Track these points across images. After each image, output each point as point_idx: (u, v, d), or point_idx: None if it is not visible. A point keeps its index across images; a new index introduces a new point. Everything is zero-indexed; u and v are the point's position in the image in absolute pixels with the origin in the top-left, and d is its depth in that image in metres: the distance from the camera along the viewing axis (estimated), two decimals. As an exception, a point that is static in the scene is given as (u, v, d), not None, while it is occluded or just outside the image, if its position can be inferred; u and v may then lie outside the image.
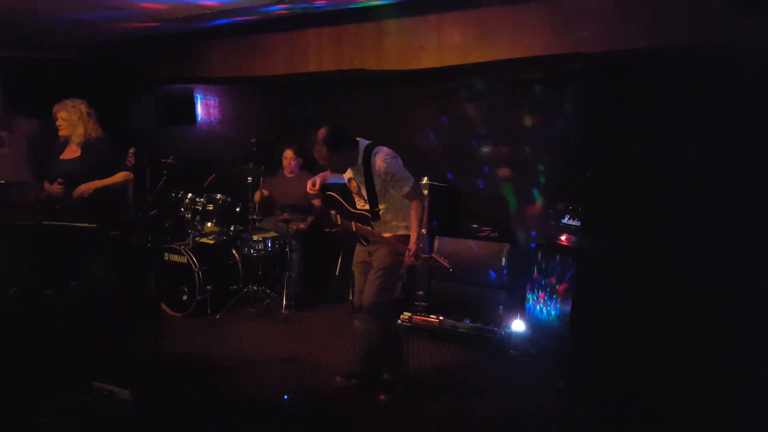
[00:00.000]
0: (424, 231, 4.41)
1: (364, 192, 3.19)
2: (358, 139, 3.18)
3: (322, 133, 3.05)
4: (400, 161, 3.13)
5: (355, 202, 3.34)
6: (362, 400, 3.35)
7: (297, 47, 5.02)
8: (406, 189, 3.10)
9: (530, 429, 3.13)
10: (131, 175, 4.07)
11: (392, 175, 3.07)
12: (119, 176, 4.01)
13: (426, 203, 3.23)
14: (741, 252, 2.54)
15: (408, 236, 3.18)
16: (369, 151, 3.11)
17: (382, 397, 3.32)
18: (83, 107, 4.02)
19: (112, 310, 4.23)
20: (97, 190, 3.90)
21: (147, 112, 6.58)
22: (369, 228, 3.23)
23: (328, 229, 3.38)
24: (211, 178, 5.13)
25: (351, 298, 5.02)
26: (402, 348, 3.53)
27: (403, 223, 3.24)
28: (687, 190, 2.76)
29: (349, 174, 3.28)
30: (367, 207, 3.23)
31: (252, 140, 4.93)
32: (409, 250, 3.08)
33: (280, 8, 4.42)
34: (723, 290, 2.57)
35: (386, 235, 3.23)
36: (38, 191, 4.19)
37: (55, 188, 3.89)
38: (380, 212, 3.18)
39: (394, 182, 3.08)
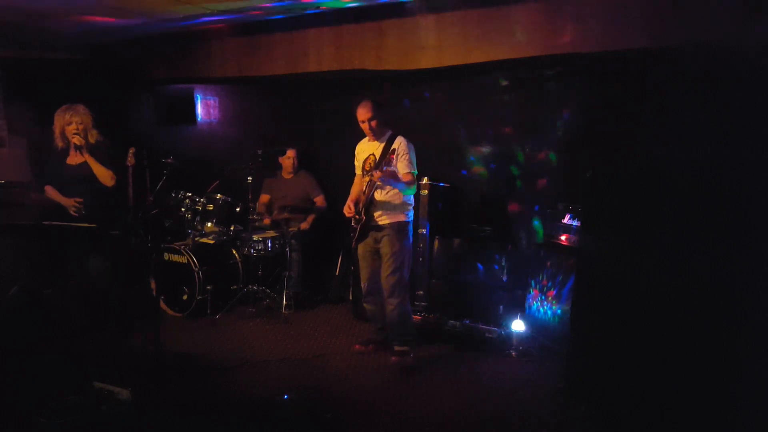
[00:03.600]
0: (423, 231, 4.47)
1: (375, 164, 3.72)
2: (388, 128, 3.83)
3: (367, 97, 3.75)
4: (414, 152, 3.75)
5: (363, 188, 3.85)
6: (363, 400, 3.35)
7: (297, 47, 5.02)
8: (406, 170, 3.65)
9: (530, 429, 3.13)
10: (115, 180, 4.06)
11: (405, 153, 3.67)
12: (107, 173, 4.02)
13: (414, 192, 3.82)
14: (741, 252, 2.53)
15: (404, 223, 3.76)
16: (395, 135, 3.77)
17: (393, 358, 3.80)
18: (89, 112, 4.06)
19: (112, 310, 4.23)
20: (88, 170, 3.93)
21: (147, 112, 6.59)
22: (367, 192, 3.74)
23: (355, 224, 3.85)
24: (214, 184, 5.13)
25: (351, 298, 5.03)
26: (411, 322, 3.93)
27: (398, 210, 3.74)
28: (687, 190, 2.75)
29: (370, 150, 3.84)
30: (369, 178, 3.74)
31: (258, 151, 4.92)
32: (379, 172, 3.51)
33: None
34: (723, 290, 2.56)
35: (384, 221, 3.74)
36: (36, 194, 4.19)
37: (72, 204, 3.98)
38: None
39: (402, 160, 3.64)
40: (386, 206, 3.74)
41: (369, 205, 3.74)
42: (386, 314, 3.84)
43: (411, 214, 3.84)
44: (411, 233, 3.86)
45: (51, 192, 4.12)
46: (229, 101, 6.43)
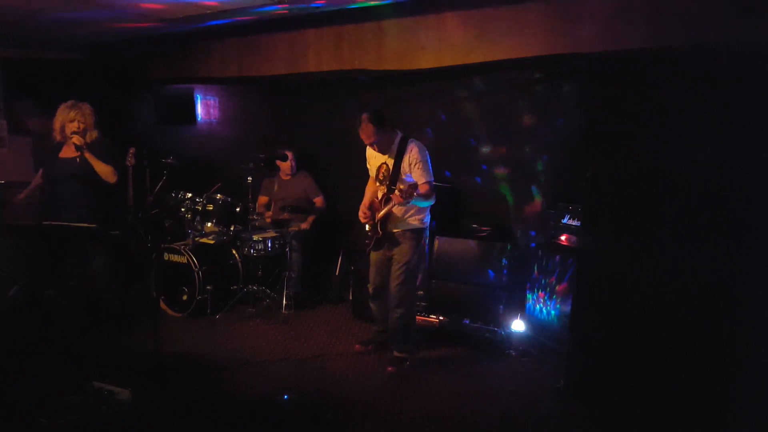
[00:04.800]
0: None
1: (390, 174, 3.62)
2: (396, 130, 3.67)
3: (365, 114, 3.52)
4: (429, 157, 3.60)
5: (378, 196, 3.77)
6: (363, 400, 3.35)
7: (297, 47, 5.02)
8: (423, 180, 3.52)
9: (530, 429, 3.13)
10: (117, 176, 4.05)
11: (418, 162, 3.52)
12: (109, 169, 3.99)
13: (434, 201, 3.67)
14: (741, 251, 2.53)
15: (418, 228, 3.67)
16: (405, 140, 3.63)
17: (390, 369, 3.73)
18: (94, 111, 4.07)
19: (112, 310, 4.24)
20: (88, 166, 3.93)
21: (147, 112, 6.59)
22: (384, 208, 3.62)
23: (370, 238, 3.79)
24: (216, 186, 5.14)
25: (351, 298, 5.03)
26: (414, 330, 3.90)
27: (414, 217, 3.66)
28: (687, 190, 2.76)
29: (382, 159, 3.70)
30: (385, 188, 3.65)
31: (261, 155, 4.93)
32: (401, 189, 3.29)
33: (278, 8, 4.40)
34: (723, 290, 2.57)
35: (399, 228, 3.66)
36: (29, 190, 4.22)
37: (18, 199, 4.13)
38: (395, 191, 3.40)
39: (418, 169, 3.51)
40: (400, 218, 3.66)
41: (385, 220, 3.66)
42: (390, 320, 3.81)
43: (427, 219, 3.75)
44: (426, 238, 3.78)
45: (33, 182, 4.15)
46: (229, 101, 6.43)
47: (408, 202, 3.37)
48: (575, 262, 3.77)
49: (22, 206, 4.24)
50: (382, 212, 3.63)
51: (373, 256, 3.86)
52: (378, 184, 3.78)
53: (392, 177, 3.61)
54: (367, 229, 3.80)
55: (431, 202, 3.63)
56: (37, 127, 5.97)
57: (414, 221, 3.67)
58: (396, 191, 3.31)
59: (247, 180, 4.85)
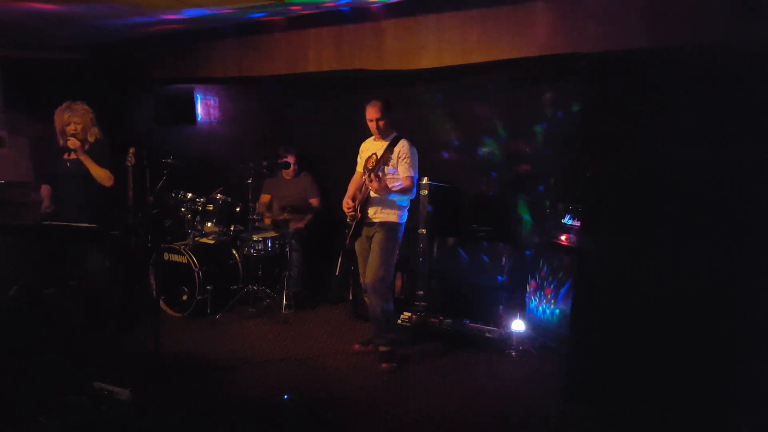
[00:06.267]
0: (423, 231, 4.48)
1: (376, 163, 3.79)
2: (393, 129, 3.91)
3: (377, 98, 3.80)
4: (416, 155, 3.80)
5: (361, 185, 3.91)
6: (363, 400, 3.35)
7: (297, 47, 5.02)
8: (407, 174, 3.71)
9: (530, 429, 3.13)
10: (113, 180, 4.04)
11: (407, 156, 3.72)
12: (105, 173, 3.99)
13: (413, 197, 3.86)
14: (741, 251, 2.53)
15: (396, 224, 3.80)
16: (399, 137, 3.83)
17: (384, 366, 3.77)
18: (90, 110, 4.04)
19: (112, 310, 4.24)
20: (83, 169, 3.93)
21: (147, 112, 6.59)
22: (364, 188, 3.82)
23: (351, 220, 3.91)
24: (218, 190, 5.14)
25: (350, 298, 5.03)
26: (395, 322, 4.06)
27: (392, 210, 3.78)
28: (687, 190, 2.76)
29: (374, 149, 3.90)
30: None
31: (264, 162, 4.94)
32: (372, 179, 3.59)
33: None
34: (723, 290, 2.57)
35: (377, 219, 3.80)
36: (36, 193, 4.21)
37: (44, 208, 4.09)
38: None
39: (404, 162, 3.71)
40: (381, 203, 3.77)
41: (365, 202, 3.79)
42: (369, 310, 3.89)
43: (404, 216, 3.87)
44: (401, 234, 3.88)
45: (44, 192, 4.14)
46: (229, 101, 6.43)
47: (381, 175, 3.60)
48: (575, 262, 3.77)
49: (21, 206, 4.25)
50: (362, 194, 3.79)
51: (357, 247, 3.97)
52: (363, 173, 3.91)
53: (376, 166, 3.75)
54: (348, 220, 3.90)
55: (410, 196, 3.79)
56: (33, 130, 5.97)
57: (392, 215, 3.78)
58: (372, 179, 3.57)
59: (247, 180, 4.85)
